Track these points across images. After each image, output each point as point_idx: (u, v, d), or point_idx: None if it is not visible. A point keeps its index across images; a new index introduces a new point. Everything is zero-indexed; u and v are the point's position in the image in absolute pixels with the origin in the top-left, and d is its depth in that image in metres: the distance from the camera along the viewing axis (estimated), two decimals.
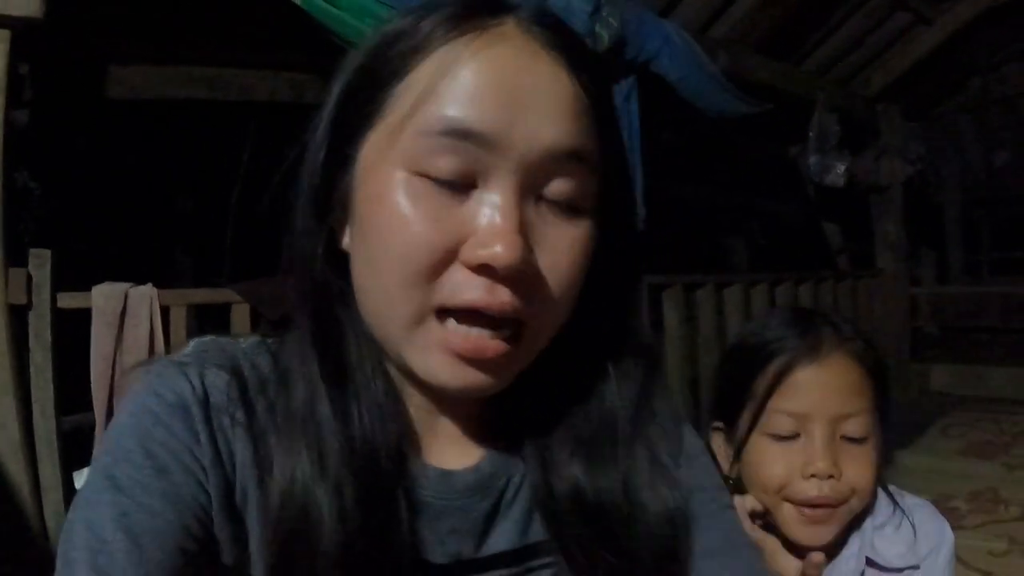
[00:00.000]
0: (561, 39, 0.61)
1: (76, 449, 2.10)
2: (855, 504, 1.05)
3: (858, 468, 1.04)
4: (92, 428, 2.09)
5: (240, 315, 2.28)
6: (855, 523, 1.09)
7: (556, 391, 0.70)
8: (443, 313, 0.59)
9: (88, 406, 2.10)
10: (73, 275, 2.10)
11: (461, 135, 0.56)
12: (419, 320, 0.59)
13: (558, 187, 0.59)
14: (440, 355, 0.59)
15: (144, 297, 2.13)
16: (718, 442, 1.16)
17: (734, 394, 1.13)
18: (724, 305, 3.66)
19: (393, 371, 0.68)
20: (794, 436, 1.05)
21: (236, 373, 0.64)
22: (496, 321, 0.59)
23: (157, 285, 2.17)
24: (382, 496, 0.63)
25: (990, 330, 5.82)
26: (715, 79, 3.35)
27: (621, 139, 0.68)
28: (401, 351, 0.62)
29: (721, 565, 0.70)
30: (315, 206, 0.64)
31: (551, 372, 0.69)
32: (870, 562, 1.07)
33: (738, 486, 1.12)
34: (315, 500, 0.60)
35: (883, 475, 1.12)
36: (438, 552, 0.67)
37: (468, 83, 0.57)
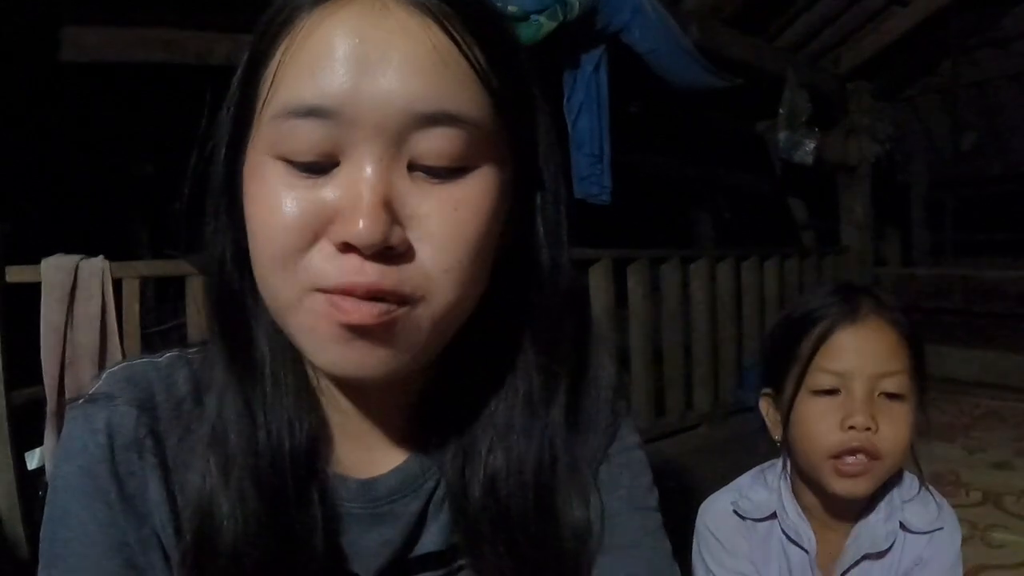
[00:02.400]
0: None
1: (27, 426, 2.05)
2: (889, 461, 1.12)
3: (894, 425, 1.11)
4: (43, 403, 2.03)
5: (195, 287, 2.22)
6: (883, 491, 1.18)
7: (478, 383, 0.67)
8: (320, 291, 0.55)
9: (38, 380, 2.04)
10: (23, 248, 2.03)
11: (308, 113, 0.53)
12: (299, 300, 0.55)
13: (429, 149, 0.55)
14: (324, 329, 0.55)
15: (95, 270, 2.07)
16: (766, 407, 1.26)
17: (781, 360, 1.21)
18: (689, 280, 3.67)
19: (311, 372, 0.66)
20: (835, 391, 1.14)
21: (144, 407, 0.64)
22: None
23: (112, 257, 2.11)
24: (289, 505, 0.61)
25: (953, 312, 5.88)
26: (686, 52, 3.32)
27: (527, 86, 0.63)
28: (295, 338, 0.59)
29: (624, 565, 0.70)
30: (222, 201, 0.62)
31: (473, 361, 0.66)
32: (903, 526, 1.17)
33: (785, 448, 1.23)
34: (218, 509, 0.60)
35: (914, 448, 1.19)
36: (368, 564, 0.66)
37: (310, 57, 0.54)
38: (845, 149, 4.88)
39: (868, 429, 1.10)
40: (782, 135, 4.21)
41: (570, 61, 3.05)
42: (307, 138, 0.53)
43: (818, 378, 1.15)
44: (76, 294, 2.04)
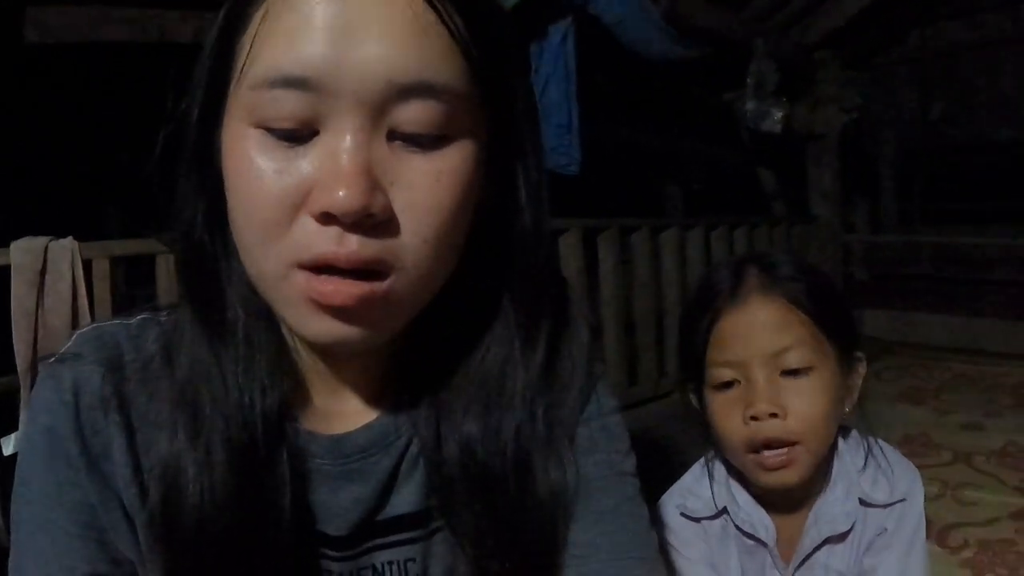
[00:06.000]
0: None
1: (3, 413, 2.03)
2: (811, 444, 1.04)
3: (803, 402, 1.03)
4: (18, 391, 2.02)
5: (165, 266, 2.20)
6: (831, 462, 1.12)
7: (455, 343, 0.68)
8: (302, 268, 0.56)
9: (12, 369, 2.02)
10: None
11: (287, 84, 0.53)
12: (283, 275, 0.56)
13: (409, 118, 0.55)
14: (304, 307, 0.57)
15: (65, 251, 2.05)
16: (696, 404, 1.18)
17: (687, 355, 1.14)
18: (660, 249, 3.68)
19: (286, 332, 0.67)
20: (734, 383, 1.07)
21: (112, 366, 0.65)
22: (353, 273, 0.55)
23: (81, 239, 2.08)
24: (258, 464, 0.62)
25: (922, 278, 5.96)
26: (653, 22, 3.32)
27: (506, 53, 0.63)
28: (276, 308, 0.60)
29: (602, 531, 0.70)
30: (195, 166, 0.62)
31: (451, 322, 0.67)
32: (862, 502, 1.09)
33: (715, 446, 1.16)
34: (185, 470, 0.60)
35: (864, 410, 1.14)
36: (339, 522, 0.67)
37: (290, 27, 0.53)
38: (813, 119, 4.90)
39: (774, 415, 1.02)
40: (750, 105, 4.22)
41: (537, 32, 3.04)
42: (286, 108, 0.53)
43: (715, 373, 1.08)
44: (46, 276, 2.02)
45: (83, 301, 2.07)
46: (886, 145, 7.10)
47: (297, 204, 0.54)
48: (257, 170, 0.55)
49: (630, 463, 0.75)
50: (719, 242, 4.02)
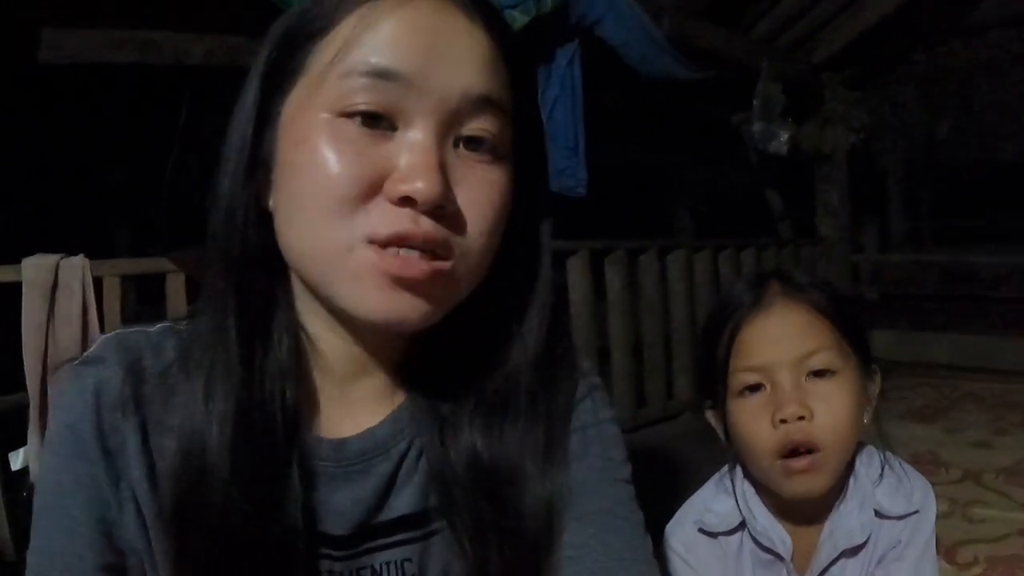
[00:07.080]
0: (474, 1, 0.66)
1: (12, 428, 2.06)
2: (838, 448, 1.05)
3: (829, 405, 1.04)
4: (26, 407, 2.04)
5: (175, 284, 2.23)
6: (847, 476, 1.11)
7: (461, 352, 0.72)
8: (372, 243, 0.60)
9: (20, 386, 2.04)
10: (2, 248, 2.03)
11: (382, 75, 0.60)
12: (349, 249, 0.60)
13: (475, 130, 0.63)
14: (372, 279, 0.61)
15: (76, 269, 2.07)
16: (712, 418, 1.18)
17: (707, 369, 1.15)
18: (667, 271, 3.68)
19: (304, 337, 0.70)
20: (759, 388, 1.07)
21: (132, 370, 0.68)
22: (424, 251, 0.61)
23: (92, 257, 2.11)
24: (275, 463, 0.65)
25: (930, 297, 5.95)
26: (659, 44, 3.35)
27: (535, 98, 0.74)
28: (333, 286, 0.63)
29: (595, 533, 0.72)
30: (244, 168, 0.66)
31: (458, 332, 0.71)
32: (878, 514, 1.09)
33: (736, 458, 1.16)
34: (210, 460, 0.63)
35: (880, 424, 1.15)
36: (339, 522, 0.69)
37: (388, 32, 0.61)
38: (820, 139, 4.92)
39: (801, 418, 1.03)
40: (757, 126, 4.24)
41: (544, 55, 3.07)
42: (375, 97, 0.60)
43: (739, 379, 1.09)
44: (57, 293, 2.04)
45: (93, 318, 2.09)
46: (894, 164, 7.11)
47: (374, 186, 0.60)
48: (337, 150, 0.60)
49: (625, 470, 0.77)
50: (727, 263, 4.01)
